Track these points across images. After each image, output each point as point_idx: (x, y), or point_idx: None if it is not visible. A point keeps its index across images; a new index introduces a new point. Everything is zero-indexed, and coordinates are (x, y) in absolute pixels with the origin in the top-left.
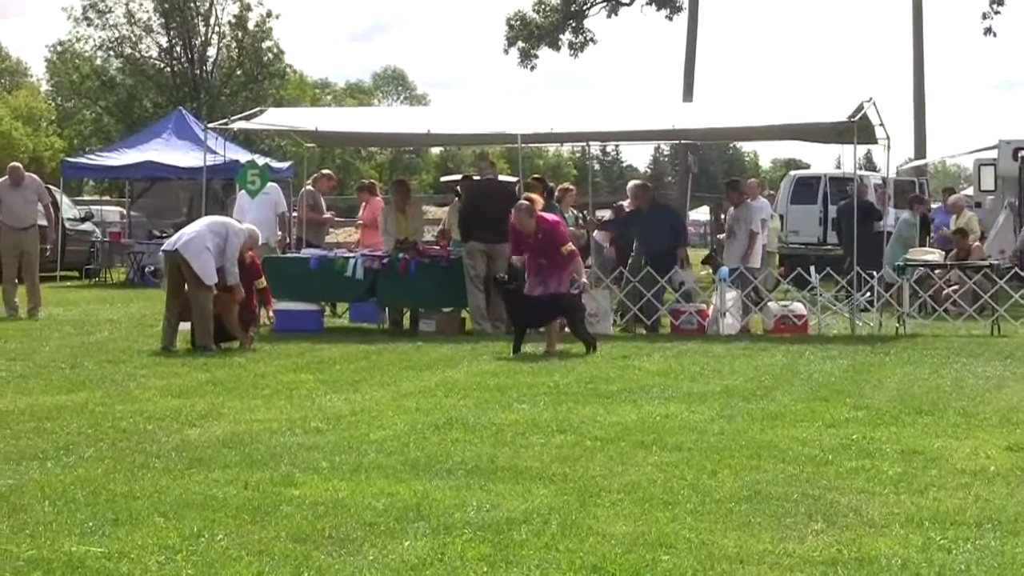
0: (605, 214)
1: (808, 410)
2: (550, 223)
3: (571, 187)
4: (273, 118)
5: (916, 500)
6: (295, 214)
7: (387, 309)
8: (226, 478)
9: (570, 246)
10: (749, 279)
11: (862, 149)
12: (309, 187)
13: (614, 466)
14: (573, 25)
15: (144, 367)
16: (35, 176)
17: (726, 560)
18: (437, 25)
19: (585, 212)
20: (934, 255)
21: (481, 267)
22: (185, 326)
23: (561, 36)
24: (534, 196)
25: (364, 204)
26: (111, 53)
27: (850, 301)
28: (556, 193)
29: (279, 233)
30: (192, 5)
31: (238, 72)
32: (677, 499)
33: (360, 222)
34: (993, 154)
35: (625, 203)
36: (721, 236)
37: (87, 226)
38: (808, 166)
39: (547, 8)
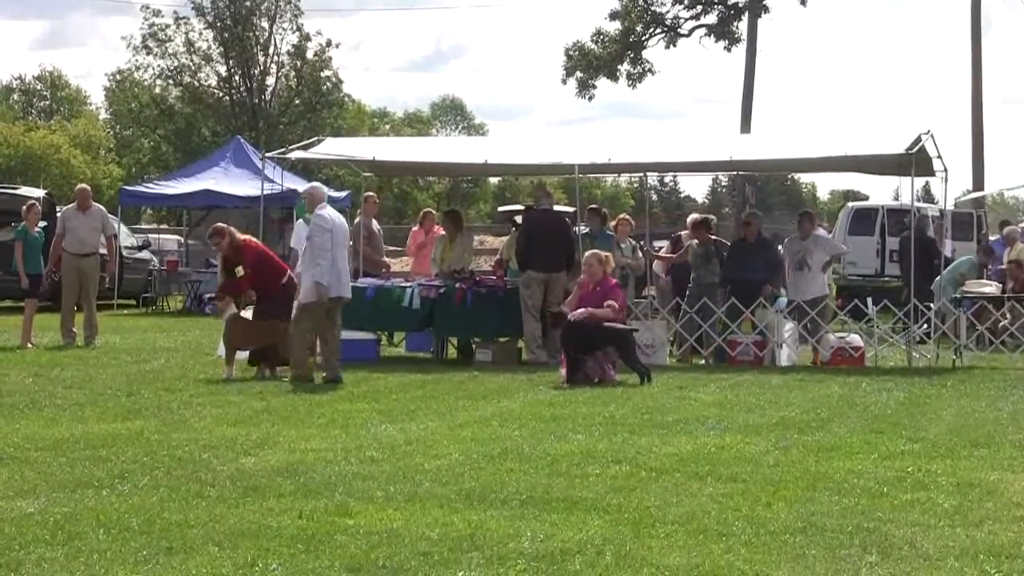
0: (663, 245)
1: (864, 442)
2: (612, 283)
3: (627, 217)
4: (331, 147)
5: (971, 533)
6: (351, 243)
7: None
8: (280, 507)
9: (615, 304)
10: (806, 311)
11: (920, 181)
12: (361, 219)
13: (669, 497)
14: (631, 56)
15: (200, 395)
16: (101, 206)
17: None
18: (495, 55)
19: (642, 242)
20: (991, 287)
21: (538, 296)
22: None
23: (619, 67)
24: (608, 254)
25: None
26: (170, 82)
27: (907, 333)
28: (614, 223)
29: None
30: (251, 35)
31: (296, 101)
32: (732, 530)
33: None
34: None
35: (683, 234)
36: None
37: (144, 254)
38: (866, 197)
39: (605, 39)
